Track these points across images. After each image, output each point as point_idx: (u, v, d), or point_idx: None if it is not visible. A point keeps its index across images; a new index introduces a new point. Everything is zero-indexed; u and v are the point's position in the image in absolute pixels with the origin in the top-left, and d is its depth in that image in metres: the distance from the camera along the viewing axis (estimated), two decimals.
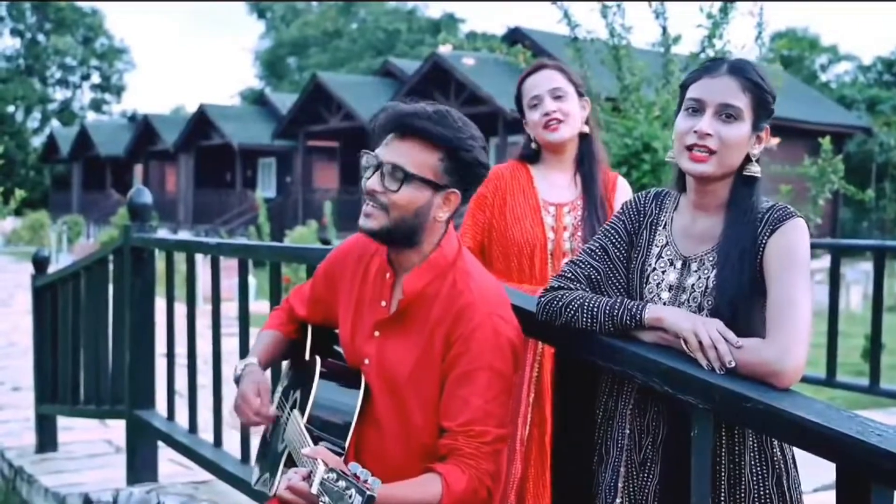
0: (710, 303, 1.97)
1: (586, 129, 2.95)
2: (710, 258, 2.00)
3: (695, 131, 1.95)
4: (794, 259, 1.90)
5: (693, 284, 2.01)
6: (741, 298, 1.92)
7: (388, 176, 2.02)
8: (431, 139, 2.02)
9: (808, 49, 37.00)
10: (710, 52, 7.77)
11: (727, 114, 1.95)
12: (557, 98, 2.88)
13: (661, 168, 6.69)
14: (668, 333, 1.89)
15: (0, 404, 6.83)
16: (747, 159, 2.00)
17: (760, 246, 1.94)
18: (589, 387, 2.16)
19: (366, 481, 1.72)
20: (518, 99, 2.98)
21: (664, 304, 2.01)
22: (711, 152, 1.95)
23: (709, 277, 1.99)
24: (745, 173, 2.00)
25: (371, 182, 2.04)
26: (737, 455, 1.95)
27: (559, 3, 7.57)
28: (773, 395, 1.72)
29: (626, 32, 7.16)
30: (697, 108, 1.97)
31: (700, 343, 1.82)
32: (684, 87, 2.03)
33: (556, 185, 2.95)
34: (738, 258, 1.93)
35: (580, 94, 2.95)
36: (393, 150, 2.04)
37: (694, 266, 2.02)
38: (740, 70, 1.98)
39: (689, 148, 1.96)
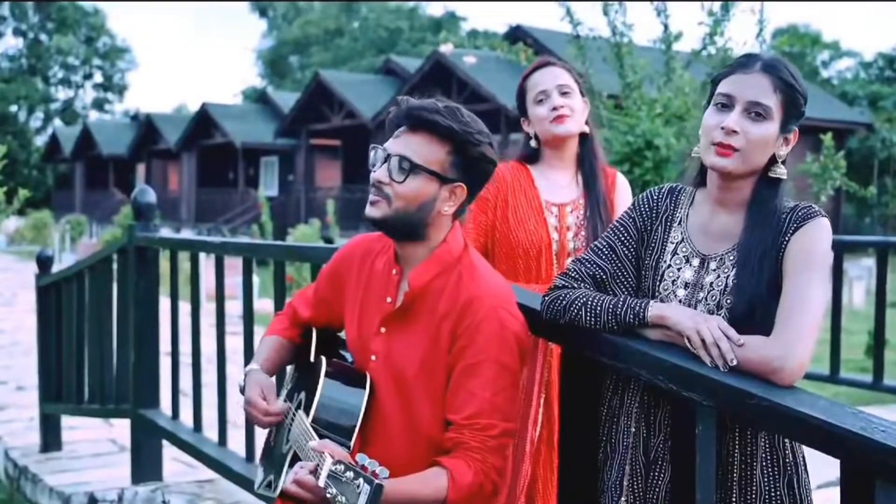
0: (728, 302, 1.95)
1: (587, 129, 2.97)
2: (731, 257, 1.98)
3: (721, 127, 1.93)
4: (811, 258, 1.89)
5: (712, 283, 1.99)
6: (759, 300, 1.91)
7: (395, 167, 2.04)
8: (440, 132, 2.03)
9: (809, 45, 36.94)
10: (712, 50, 7.78)
11: (756, 112, 1.92)
12: (564, 94, 2.89)
13: (664, 165, 6.70)
14: (672, 331, 1.89)
15: (4, 404, 6.84)
16: (773, 160, 1.97)
17: (782, 246, 1.92)
18: (594, 385, 2.16)
19: (374, 471, 1.71)
20: (521, 95, 2.97)
21: (680, 301, 2.00)
22: (736, 150, 1.92)
23: (728, 276, 1.97)
24: (770, 174, 1.97)
25: (378, 173, 2.06)
26: (749, 456, 1.95)
27: (561, 1, 7.58)
28: (777, 392, 1.71)
29: (628, 30, 7.18)
30: (727, 104, 1.95)
31: (703, 341, 1.82)
32: (715, 82, 2.00)
33: (557, 185, 2.95)
34: (759, 260, 1.92)
35: (581, 94, 2.97)
36: (402, 143, 2.06)
37: (713, 265, 2.01)
38: (773, 68, 1.94)
39: (715, 144, 1.94)
